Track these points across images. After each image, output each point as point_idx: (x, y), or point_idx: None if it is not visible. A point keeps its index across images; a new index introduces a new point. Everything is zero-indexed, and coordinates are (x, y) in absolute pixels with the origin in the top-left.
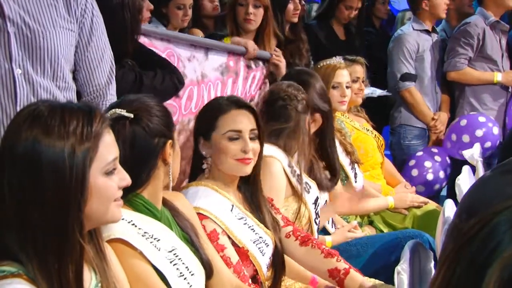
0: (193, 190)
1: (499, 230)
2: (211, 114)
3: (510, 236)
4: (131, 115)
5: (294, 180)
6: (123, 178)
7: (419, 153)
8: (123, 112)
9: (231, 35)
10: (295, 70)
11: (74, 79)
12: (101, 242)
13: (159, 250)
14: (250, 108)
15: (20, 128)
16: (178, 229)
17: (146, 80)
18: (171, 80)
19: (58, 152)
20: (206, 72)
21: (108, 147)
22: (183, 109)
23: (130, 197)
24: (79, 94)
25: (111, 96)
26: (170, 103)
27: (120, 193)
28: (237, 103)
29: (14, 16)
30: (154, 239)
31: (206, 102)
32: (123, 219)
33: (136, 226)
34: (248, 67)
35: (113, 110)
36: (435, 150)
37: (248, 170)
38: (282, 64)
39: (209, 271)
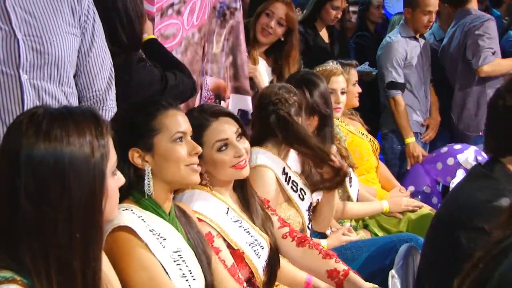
0: (188, 193)
1: None
2: (196, 131)
3: None
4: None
5: (288, 188)
6: (120, 178)
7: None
8: None
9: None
10: (304, 71)
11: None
12: None
13: (164, 247)
14: (226, 113)
15: (35, 135)
16: (185, 237)
17: (171, 80)
18: (188, 85)
19: (80, 155)
20: None
21: (112, 148)
22: (186, 25)
23: (138, 197)
24: (79, 99)
25: (111, 102)
26: (173, 22)
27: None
28: (212, 114)
29: (21, 23)
30: (161, 237)
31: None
32: (133, 213)
33: (145, 221)
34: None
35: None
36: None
37: (245, 173)
38: (259, 78)
39: (209, 285)
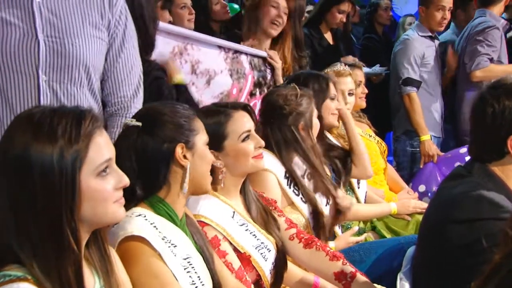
0: (194, 197)
1: None
2: (217, 125)
3: None
4: (139, 124)
5: (289, 191)
6: (120, 179)
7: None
8: (133, 122)
9: (246, 36)
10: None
11: (101, 88)
12: (106, 245)
13: (175, 255)
14: (245, 107)
15: (13, 133)
16: (193, 241)
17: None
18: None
19: (47, 157)
20: None
21: (100, 149)
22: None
23: (153, 201)
24: (104, 104)
25: (135, 110)
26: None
27: (120, 193)
28: (233, 106)
29: (45, 24)
30: (172, 244)
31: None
32: (146, 219)
33: (157, 228)
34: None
35: (126, 120)
36: (422, 188)
37: (263, 163)
38: (278, 65)
39: (217, 285)
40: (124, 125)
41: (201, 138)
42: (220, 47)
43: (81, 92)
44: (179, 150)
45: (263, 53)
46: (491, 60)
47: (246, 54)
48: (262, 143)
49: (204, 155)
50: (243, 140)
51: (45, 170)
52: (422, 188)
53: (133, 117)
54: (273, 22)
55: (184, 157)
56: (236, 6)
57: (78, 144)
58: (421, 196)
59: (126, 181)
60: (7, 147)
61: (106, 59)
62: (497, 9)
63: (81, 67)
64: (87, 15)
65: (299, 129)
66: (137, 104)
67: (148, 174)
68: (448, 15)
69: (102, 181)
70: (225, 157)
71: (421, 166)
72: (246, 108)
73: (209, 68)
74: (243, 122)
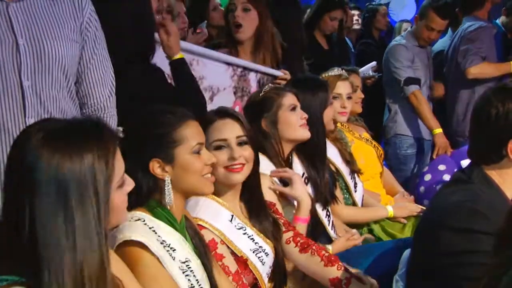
0: (193, 200)
1: None
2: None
3: None
4: (121, 136)
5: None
6: (129, 184)
7: (427, 177)
8: (119, 131)
9: (226, 46)
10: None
11: (76, 91)
12: None
13: (174, 259)
14: (234, 116)
15: (39, 151)
16: (192, 245)
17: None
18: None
19: (80, 176)
20: None
21: (120, 162)
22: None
23: (152, 205)
24: (80, 107)
25: (112, 109)
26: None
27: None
28: (220, 113)
29: (23, 29)
30: (171, 248)
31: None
32: (145, 224)
33: (156, 233)
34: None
35: (119, 128)
36: (442, 167)
37: (239, 178)
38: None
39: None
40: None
41: (185, 148)
42: (229, 63)
43: (61, 95)
44: (154, 164)
45: (277, 72)
46: (484, 58)
47: (257, 71)
48: (236, 156)
49: (187, 165)
50: (215, 148)
51: (81, 188)
52: (427, 177)
53: (123, 125)
54: (233, 24)
55: (164, 170)
56: None
57: (108, 163)
58: (440, 175)
59: (133, 184)
60: (34, 166)
61: (79, 62)
62: (481, 13)
63: (60, 70)
64: (61, 17)
65: (262, 126)
66: (113, 103)
67: (137, 183)
68: (436, 36)
69: (120, 192)
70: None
71: (434, 157)
72: (234, 117)
73: (213, 85)
74: (220, 130)
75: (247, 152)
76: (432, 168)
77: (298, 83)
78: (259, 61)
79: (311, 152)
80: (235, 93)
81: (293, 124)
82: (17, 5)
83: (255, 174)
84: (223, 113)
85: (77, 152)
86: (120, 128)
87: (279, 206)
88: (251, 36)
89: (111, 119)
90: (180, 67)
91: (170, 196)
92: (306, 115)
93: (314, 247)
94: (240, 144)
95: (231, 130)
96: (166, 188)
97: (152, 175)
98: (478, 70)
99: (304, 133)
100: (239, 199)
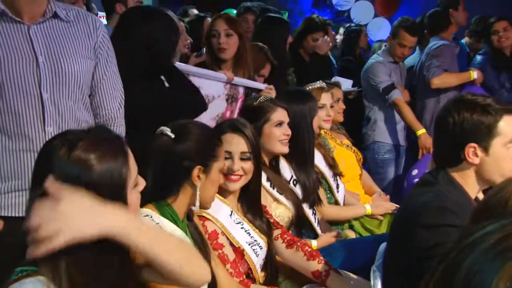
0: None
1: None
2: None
3: None
4: (172, 135)
5: (274, 192)
6: (142, 183)
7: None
8: (167, 131)
9: (209, 65)
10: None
11: (90, 103)
12: None
13: None
14: (243, 133)
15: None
16: (192, 240)
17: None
18: (201, 100)
19: (114, 179)
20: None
21: (134, 164)
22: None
23: (161, 204)
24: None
25: (121, 119)
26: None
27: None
28: (232, 126)
29: (42, 47)
30: None
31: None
32: (152, 220)
33: (161, 229)
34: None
35: (161, 127)
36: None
37: (235, 186)
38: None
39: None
40: (160, 130)
41: (219, 165)
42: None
43: (77, 106)
44: (196, 171)
45: (261, 86)
46: (446, 71)
47: (244, 87)
48: (235, 168)
49: (215, 180)
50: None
51: (112, 190)
52: (414, 171)
53: (169, 126)
54: (219, 48)
55: (198, 177)
56: (235, 11)
57: (125, 165)
58: (412, 179)
59: (144, 183)
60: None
61: (93, 77)
62: (446, 35)
63: (75, 84)
64: (77, 38)
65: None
66: (122, 115)
67: (164, 180)
68: (408, 52)
69: (134, 192)
70: None
71: (419, 158)
72: (242, 134)
73: (208, 94)
74: (229, 143)
75: (247, 165)
76: (419, 165)
77: (290, 95)
78: (240, 76)
79: (302, 156)
80: (227, 100)
81: (274, 138)
82: (37, 27)
83: (255, 181)
84: (234, 127)
85: (111, 154)
86: (168, 130)
87: (269, 208)
88: (233, 55)
89: (120, 128)
90: (174, 71)
91: (198, 201)
92: (289, 132)
93: (299, 243)
94: (242, 159)
95: (237, 145)
96: (197, 193)
97: (188, 181)
98: (440, 80)
99: (281, 149)
100: (238, 200)
